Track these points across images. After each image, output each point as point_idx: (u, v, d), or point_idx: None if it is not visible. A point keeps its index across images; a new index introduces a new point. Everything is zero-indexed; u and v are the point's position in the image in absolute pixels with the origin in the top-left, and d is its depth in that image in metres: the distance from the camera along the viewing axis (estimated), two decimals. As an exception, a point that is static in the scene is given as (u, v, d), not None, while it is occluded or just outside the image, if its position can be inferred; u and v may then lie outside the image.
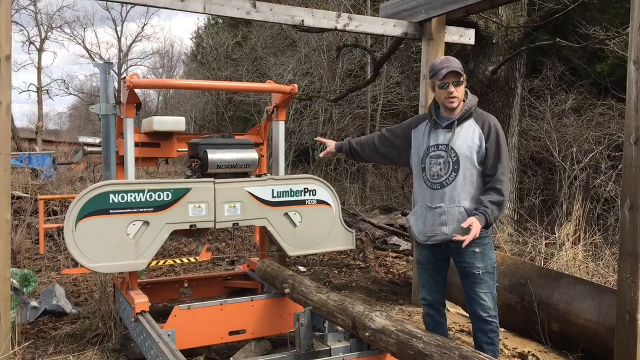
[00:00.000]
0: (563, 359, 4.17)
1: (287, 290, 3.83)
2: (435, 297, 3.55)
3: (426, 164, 3.39)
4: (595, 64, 10.27)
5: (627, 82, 3.46)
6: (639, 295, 3.41)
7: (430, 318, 3.59)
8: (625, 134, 3.52)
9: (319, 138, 4.19)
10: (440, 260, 3.49)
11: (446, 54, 5.58)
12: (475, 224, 3.12)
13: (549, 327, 4.32)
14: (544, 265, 5.44)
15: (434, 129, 3.39)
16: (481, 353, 2.35)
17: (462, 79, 3.27)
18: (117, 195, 3.70)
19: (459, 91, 3.26)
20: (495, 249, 3.55)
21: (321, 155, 4.15)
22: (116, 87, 4.42)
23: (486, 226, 3.20)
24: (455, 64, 3.24)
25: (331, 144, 4.05)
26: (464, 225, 3.11)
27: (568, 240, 5.74)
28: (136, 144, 4.12)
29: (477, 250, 3.29)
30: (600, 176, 7.88)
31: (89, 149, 4.69)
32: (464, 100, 3.34)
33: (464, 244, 3.09)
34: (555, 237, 5.96)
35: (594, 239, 5.99)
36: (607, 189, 7.57)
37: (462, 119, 3.31)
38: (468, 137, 3.28)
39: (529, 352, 4.19)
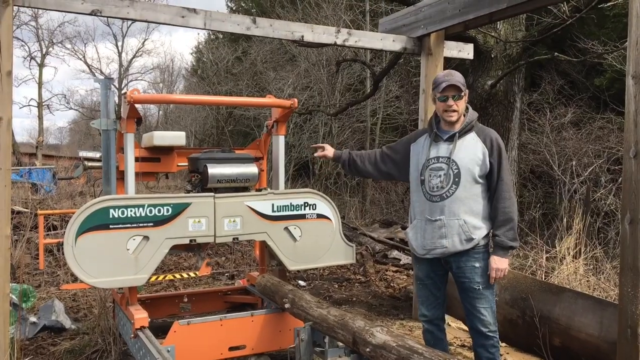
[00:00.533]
0: (565, 374, 4.15)
1: (287, 305, 3.81)
2: (434, 312, 3.53)
3: (426, 177, 3.38)
4: (594, 78, 10.32)
5: (626, 97, 3.47)
6: (640, 310, 3.40)
7: (430, 334, 3.57)
8: (624, 147, 3.53)
9: (314, 145, 4.16)
10: (440, 275, 3.48)
11: (445, 68, 5.61)
12: (498, 265, 3.24)
13: (550, 341, 4.29)
14: (544, 279, 5.43)
15: (435, 142, 3.39)
16: (483, 369, 2.33)
17: (462, 94, 3.28)
18: (117, 210, 3.69)
19: (459, 105, 3.27)
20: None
21: (316, 155, 4.06)
22: (117, 102, 4.44)
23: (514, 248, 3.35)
24: (457, 77, 3.27)
25: (329, 150, 4.00)
26: (492, 274, 3.26)
27: (569, 254, 5.73)
28: (136, 159, 4.12)
29: (477, 265, 3.29)
30: (600, 190, 7.89)
31: (89, 163, 4.69)
32: (464, 115, 3.36)
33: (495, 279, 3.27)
34: (556, 251, 5.95)
35: (594, 253, 5.98)
36: (607, 202, 7.57)
37: (463, 132, 3.32)
38: (470, 150, 3.29)
39: (530, 367, 4.16)
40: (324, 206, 4.40)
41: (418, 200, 3.45)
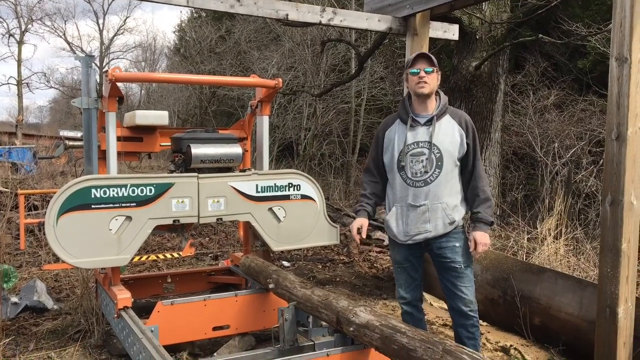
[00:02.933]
0: (545, 353, 4.22)
1: (271, 286, 3.82)
2: (413, 294, 3.54)
3: (407, 162, 3.32)
4: (577, 60, 10.37)
5: (609, 79, 3.50)
6: (619, 290, 3.46)
7: (410, 316, 3.57)
8: (606, 130, 3.56)
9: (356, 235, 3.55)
10: (417, 258, 3.49)
11: (430, 49, 5.60)
12: (484, 240, 3.29)
13: (531, 321, 4.36)
14: (526, 259, 5.50)
15: (412, 127, 3.33)
16: (465, 347, 2.36)
17: (434, 70, 3.28)
18: (99, 190, 3.65)
19: (430, 80, 3.26)
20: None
21: (363, 236, 3.55)
22: (98, 80, 4.37)
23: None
24: (427, 55, 3.31)
25: (364, 222, 3.54)
26: (473, 248, 3.30)
27: (550, 235, 5.80)
28: (118, 138, 4.07)
29: (457, 244, 3.33)
30: (582, 171, 7.97)
31: (70, 143, 4.63)
32: (437, 98, 3.36)
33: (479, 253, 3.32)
34: (537, 232, 6.02)
35: (575, 234, 6.06)
36: (589, 184, 7.66)
37: (440, 115, 3.32)
38: (449, 133, 3.29)
39: (511, 345, 4.23)
40: (308, 187, 4.39)
41: (399, 186, 3.38)
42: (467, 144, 3.30)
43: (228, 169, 4.28)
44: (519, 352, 4.21)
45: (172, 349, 3.77)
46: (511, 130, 9.94)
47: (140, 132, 4.37)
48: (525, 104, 9.90)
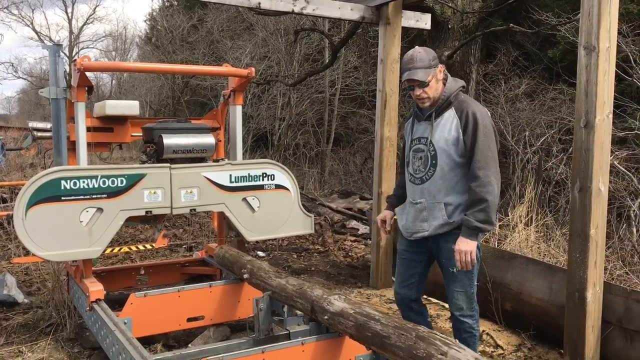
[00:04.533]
0: (516, 337, 4.30)
1: (245, 276, 3.81)
2: (406, 293, 3.36)
3: (410, 158, 3.24)
4: (548, 50, 10.50)
5: (578, 67, 3.55)
6: (588, 274, 3.54)
7: (404, 313, 3.43)
8: (575, 117, 3.62)
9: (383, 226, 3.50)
10: (418, 253, 3.30)
11: (403, 38, 5.62)
12: (461, 246, 2.96)
13: (502, 306, 4.43)
14: (497, 246, 5.58)
15: (417, 121, 3.22)
16: (437, 333, 2.39)
17: (428, 79, 3.03)
18: (68, 181, 3.59)
19: (428, 91, 3.06)
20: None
21: (388, 227, 3.50)
22: (68, 70, 4.29)
23: (484, 231, 3.03)
24: (417, 64, 3.03)
25: (387, 214, 3.50)
26: (455, 256, 2.99)
27: (521, 222, 5.89)
28: (88, 129, 4.01)
29: (454, 247, 3.06)
30: (552, 159, 8.10)
31: (39, 134, 4.54)
32: (445, 85, 3.11)
33: (467, 268, 3.00)
34: (508, 219, 6.11)
35: (545, 221, 6.17)
36: (558, 171, 7.79)
37: (441, 110, 3.10)
38: (445, 129, 3.07)
39: (483, 331, 4.29)
40: (283, 177, 4.38)
41: (407, 183, 3.30)
42: (464, 140, 3.02)
43: (201, 159, 4.25)
44: (491, 337, 4.28)
45: (146, 340, 3.75)
46: (483, 119, 10.03)
47: (111, 123, 4.31)
48: (497, 93, 10.00)
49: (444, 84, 3.11)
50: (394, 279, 5.71)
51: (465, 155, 3.04)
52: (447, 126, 3.07)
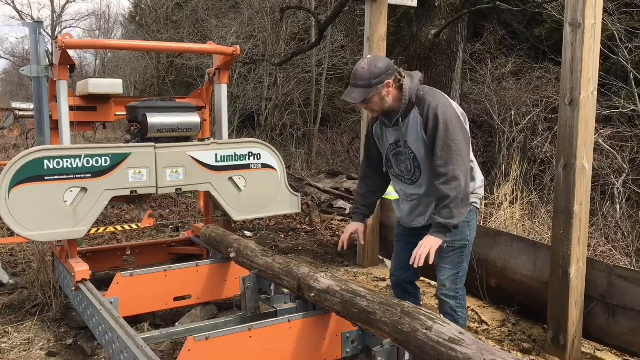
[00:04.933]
0: (500, 313, 4.35)
1: (232, 255, 3.81)
2: (402, 275, 3.33)
3: (392, 162, 3.15)
4: (534, 29, 10.49)
5: (563, 44, 3.55)
6: (571, 251, 3.58)
7: (397, 296, 3.35)
8: (560, 95, 3.63)
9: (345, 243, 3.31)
10: (416, 236, 3.09)
11: (389, 16, 5.58)
12: (424, 241, 2.83)
13: (487, 283, 4.48)
14: (483, 224, 5.62)
15: (386, 127, 3.11)
16: (422, 309, 2.41)
17: (368, 97, 2.88)
18: (52, 161, 3.55)
19: (372, 106, 2.95)
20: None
21: (362, 242, 3.44)
22: (50, 50, 4.21)
23: (454, 227, 2.89)
24: (358, 82, 2.88)
25: (360, 228, 3.34)
26: (413, 260, 2.82)
27: (506, 200, 5.94)
28: (71, 108, 3.95)
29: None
30: (537, 138, 8.14)
31: (21, 113, 4.48)
32: (403, 95, 2.93)
33: (419, 263, 2.81)
34: (494, 198, 6.15)
35: (530, 199, 6.22)
36: (544, 150, 7.84)
37: (405, 113, 2.97)
38: (415, 131, 2.97)
39: (468, 307, 4.34)
40: (269, 156, 4.37)
41: (394, 179, 3.23)
42: (427, 139, 2.92)
43: (186, 139, 4.21)
44: (476, 313, 4.33)
45: (132, 320, 3.75)
46: (470, 99, 10.04)
47: (94, 102, 4.25)
48: (484, 72, 10.00)
49: (401, 90, 2.93)
50: (380, 257, 5.77)
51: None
52: (415, 127, 2.95)
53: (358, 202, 3.36)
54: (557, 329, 3.70)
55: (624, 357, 3.74)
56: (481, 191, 3.20)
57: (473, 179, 3.07)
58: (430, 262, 2.79)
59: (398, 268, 3.37)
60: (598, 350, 3.86)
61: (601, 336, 3.76)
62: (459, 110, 2.98)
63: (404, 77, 2.95)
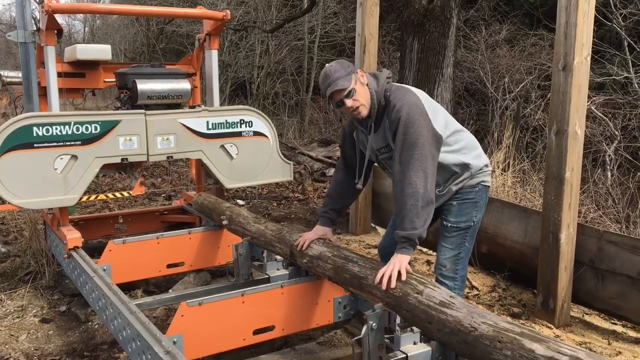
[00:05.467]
0: (491, 279, 4.40)
1: (224, 222, 3.81)
2: (392, 249, 2.72)
3: (384, 165, 2.94)
4: (529, -6, 10.39)
5: (558, 9, 3.51)
6: (562, 216, 3.60)
7: None
8: (554, 60, 3.61)
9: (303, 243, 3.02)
10: None
11: (382, -19, 5.48)
12: (395, 267, 2.44)
13: (478, 249, 4.52)
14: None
15: (364, 135, 2.88)
16: (414, 274, 2.42)
17: (352, 85, 2.65)
18: (41, 128, 3.51)
19: (359, 98, 2.67)
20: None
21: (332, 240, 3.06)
22: (38, 17, 4.13)
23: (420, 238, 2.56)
24: (335, 76, 2.64)
25: (327, 231, 3.04)
26: (379, 281, 2.45)
27: (498, 167, 5.95)
28: (59, 74, 3.89)
29: (454, 203, 2.88)
30: (530, 105, 8.13)
31: (9, 80, 4.41)
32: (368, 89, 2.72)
33: (384, 285, 2.43)
34: (486, 165, 6.16)
35: (522, 166, 6.24)
36: (536, 117, 7.83)
37: (378, 117, 2.75)
38: (391, 133, 2.72)
39: (460, 273, 4.38)
40: (261, 123, 4.34)
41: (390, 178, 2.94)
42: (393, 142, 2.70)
43: (177, 106, 4.17)
44: (467, 279, 4.37)
45: (125, 287, 3.76)
46: (463, 66, 9.98)
47: (83, 68, 4.19)
48: (477, 39, 9.92)
49: (367, 88, 2.73)
50: (372, 225, 5.80)
51: None
52: (387, 129, 2.74)
53: (327, 205, 3.05)
54: (547, 293, 3.75)
55: (612, 321, 3.81)
56: (485, 166, 2.93)
57: (478, 157, 2.89)
58: (403, 278, 2.41)
59: (388, 240, 3.14)
60: (586, 314, 3.92)
61: (590, 300, 3.82)
62: (429, 104, 2.72)
63: (369, 76, 2.76)
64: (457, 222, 2.90)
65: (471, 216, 2.90)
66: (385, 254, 3.12)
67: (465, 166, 2.83)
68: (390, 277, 2.40)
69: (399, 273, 2.41)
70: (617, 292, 3.63)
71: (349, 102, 2.66)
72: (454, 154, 2.79)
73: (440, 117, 2.73)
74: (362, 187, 3.01)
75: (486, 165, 2.94)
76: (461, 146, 2.83)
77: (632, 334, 3.64)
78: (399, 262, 2.46)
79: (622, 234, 4.44)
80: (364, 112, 2.71)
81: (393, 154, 2.68)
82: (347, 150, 3.02)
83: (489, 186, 2.97)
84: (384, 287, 2.40)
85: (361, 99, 2.68)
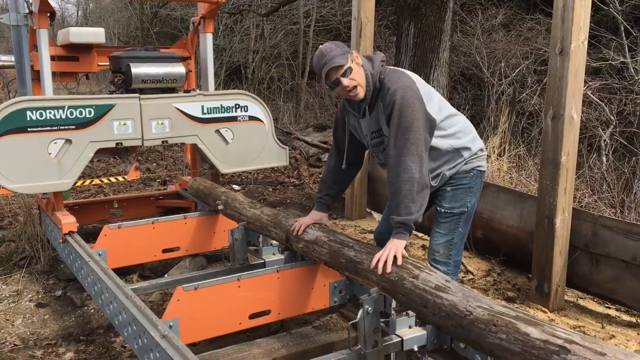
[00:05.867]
0: (486, 263, 4.42)
1: (220, 207, 3.80)
2: (389, 235, 2.68)
3: (373, 151, 2.93)
4: (526, -22, 10.33)
5: (555, -8, 3.49)
6: (557, 201, 3.61)
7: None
8: (551, 44, 3.59)
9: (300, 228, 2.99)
10: None
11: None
12: (391, 252, 2.44)
13: (473, 234, 4.53)
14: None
15: (357, 119, 2.84)
16: (410, 258, 2.43)
17: (348, 64, 2.59)
18: (34, 112, 3.48)
19: (355, 77, 2.62)
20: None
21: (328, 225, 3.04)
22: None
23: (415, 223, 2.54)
24: (331, 54, 2.57)
25: (323, 217, 3.02)
26: (374, 264, 2.45)
27: (494, 152, 5.95)
28: (52, 58, 3.85)
29: (448, 189, 2.86)
30: (526, 90, 8.12)
31: (1, 63, 4.37)
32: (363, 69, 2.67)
33: (379, 270, 2.43)
34: (482, 150, 6.15)
35: (518, 151, 6.24)
36: (532, 102, 7.82)
37: (372, 100, 2.71)
38: (385, 118, 2.68)
39: (455, 258, 4.39)
40: (256, 108, 4.31)
41: (381, 167, 2.98)
42: (388, 126, 2.66)
43: (171, 90, 4.14)
44: (462, 263, 4.38)
45: (121, 272, 3.75)
46: (459, 51, 9.94)
47: (76, 51, 4.15)
48: (474, 24, 9.87)
49: (362, 68, 2.67)
50: (368, 210, 5.80)
51: None
52: (383, 115, 2.69)
53: (322, 190, 3.03)
54: (542, 277, 3.76)
55: (606, 305, 3.84)
56: (479, 150, 2.90)
57: (472, 141, 2.86)
58: (398, 263, 2.40)
59: (384, 225, 3.12)
60: (581, 298, 3.94)
61: (584, 285, 3.84)
62: (423, 88, 2.69)
63: (363, 59, 2.71)
64: (450, 207, 2.87)
65: (465, 202, 2.87)
66: (382, 240, 3.07)
67: (458, 151, 2.80)
68: (386, 261, 2.40)
69: (395, 258, 2.41)
70: (611, 276, 3.65)
71: (345, 82, 2.61)
72: (448, 139, 2.77)
73: (434, 101, 2.71)
74: (356, 173, 3.01)
75: (481, 150, 2.91)
76: (455, 130, 2.80)
77: (625, 317, 3.67)
78: (395, 246, 2.45)
79: (617, 218, 4.46)
80: (361, 93, 2.65)
81: (387, 139, 2.66)
82: (339, 136, 2.99)
83: (484, 171, 2.94)
84: (379, 271, 2.40)
85: (358, 79, 2.63)
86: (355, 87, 2.63)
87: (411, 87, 2.62)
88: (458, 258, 2.97)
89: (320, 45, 2.70)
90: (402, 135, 2.55)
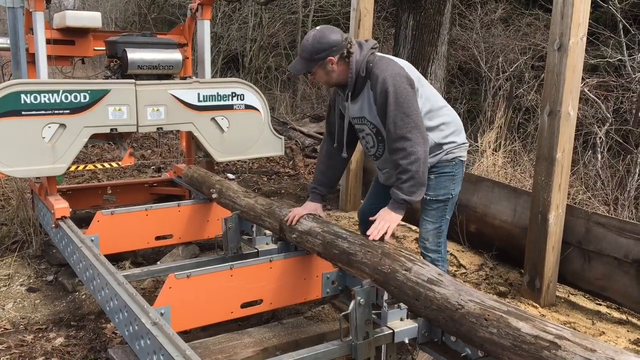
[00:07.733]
0: (479, 257, 4.43)
1: (214, 196, 3.79)
2: (373, 214, 2.83)
3: (358, 135, 2.97)
4: (526, -27, 10.30)
5: (555, -12, 3.48)
6: (551, 197, 3.62)
7: (362, 233, 3.15)
8: (549, 40, 3.58)
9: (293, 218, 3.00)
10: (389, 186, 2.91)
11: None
12: (383, 216, 2.64)
13: (467, 228, 4.54)
14: (465, 171, 5.63)
15: (344, 101, 2.88)
16: (403, 250, 2.43)
17: (312, 69, 2.71)
18: (29, 95, 3.46)
19: (317, 77, 2.76)
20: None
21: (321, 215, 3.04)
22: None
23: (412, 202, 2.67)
24: (302, 54, 2.70)
25: (317, 207, 3.03)
26: (371, 234, 2.60)
27: (489, 147, 5.95)
28: (48, 41, 3.82)
29: (431, 177, 2.86)
30: (524, 86, 8.11)
31: (-3, 46, 4.32)
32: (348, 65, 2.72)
33: (375, 237, 2.59)
34: (477, 145, 6.16)
35: (513, 146, 6.24)
36: (529, 98, 7.82)
37: (357, 87, 2.76)
38: (370, 106, 2.76)
39: (447, 251, 4.40)
40: (253, 97, 4.30)
41: (366, 154, 3.07)
42: (379, 114, 2.72)
43: (168, 77, 4.12)
44: (455, 257, 4.40)
45: (113, 258, 3.75)
46: (457, 45, 9.92)
47: (72, 35, 4.11)
48: (473, 18, 9.84)
49: (348, 64, 2.71)
50: (362, 201, 5.79)
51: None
52: (370, 102, 2.75)
53: (316, 180, 3.07)
54: (534, 273, 3.78)
55: (597, 302, 3.85)
56: (462, 143, 2.96)
57: (454, 134, 2.91)
58: (387, 238, 2.57)
59: (371, 208, 3.07)
60: (572, 294, 3.96)
61: (576, 281, 3.86)
62: (413, 75, 2.74)
63: (355, 46, 2.73)
64: (436, 195, 2.93)
65: (449, 189, 2.95)
66: (365, 219, 3.15)
67: (439, 146, 2.87)
68: (383, 231, 2.57)
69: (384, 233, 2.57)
70: (603, 273, 3.66)
71: (309, 76, 2.82)
72: (430, 132, 2.79)
73: (421, 90, 2.77)
74: (348, 156, 3.06)
75: (463, 143, 2.98)
76: (439, 122, 2.86)
77: (616, 314, 3.69)
78: (390, 220, 2.63)
79: (610, 216, 4.47)
80: (326, 86, 2.89)
81: (369, 127, 2.78)
82: (331, 120, 3.04)
83: (464, 161, 3.02)
84: (372, 238, 2.56)
85: (321, 80, 2.79)
86: (323, 82, 2.81)
87: (400, 73, 2.67)
88: (445, 245, 3.07)
89: (312, 32, 2.73)
90: (403, 122, 2.62)
